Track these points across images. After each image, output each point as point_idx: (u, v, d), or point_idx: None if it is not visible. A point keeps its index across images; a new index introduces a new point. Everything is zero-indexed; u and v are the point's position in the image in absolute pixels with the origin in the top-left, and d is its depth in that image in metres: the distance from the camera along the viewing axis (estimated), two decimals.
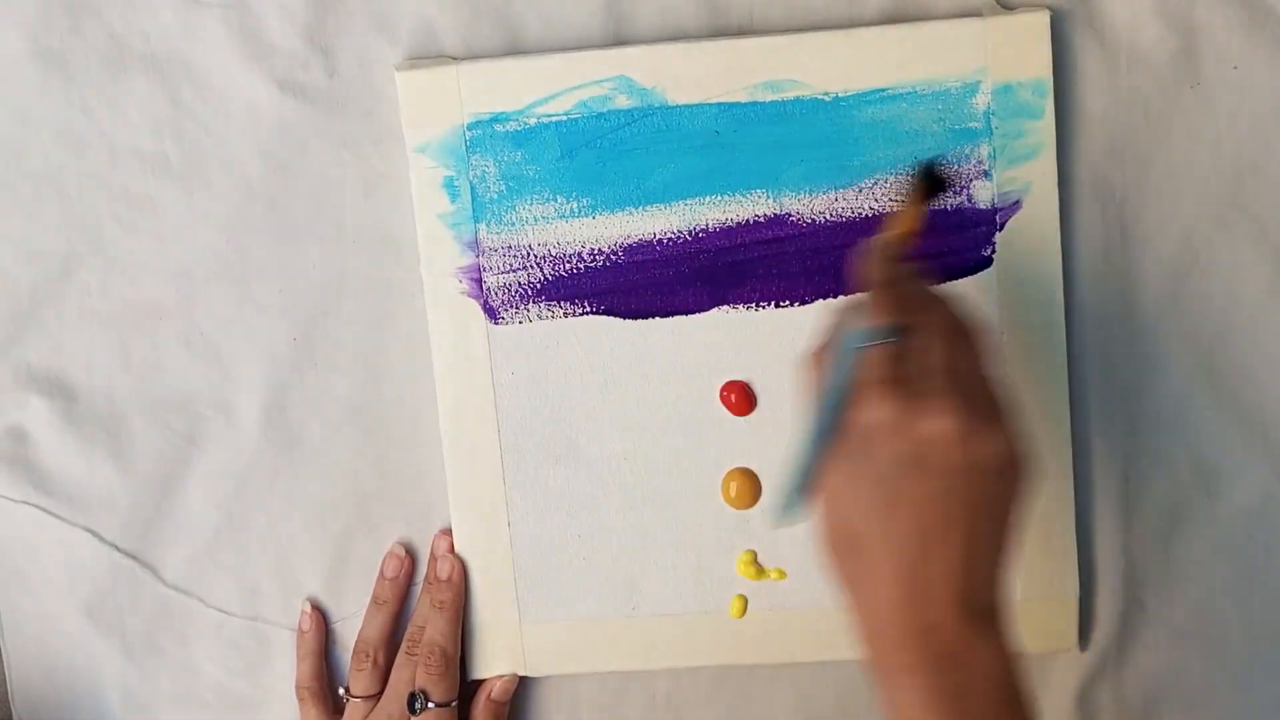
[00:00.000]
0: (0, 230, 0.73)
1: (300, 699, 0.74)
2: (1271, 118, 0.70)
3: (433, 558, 0.74)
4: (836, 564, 0.58)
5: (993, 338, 0.60)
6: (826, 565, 0.58)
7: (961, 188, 0.69)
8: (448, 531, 0.73)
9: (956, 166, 0.69)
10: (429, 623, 0.72)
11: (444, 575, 0.73)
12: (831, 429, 0.57)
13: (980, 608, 0.56)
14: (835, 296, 0.70)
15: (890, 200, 0.69)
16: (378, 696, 0.73)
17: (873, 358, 0.57)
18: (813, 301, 0.70)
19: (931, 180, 0.63)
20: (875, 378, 0.56)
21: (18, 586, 0.75)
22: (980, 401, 0.57)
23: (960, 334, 0.59)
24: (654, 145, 0.69)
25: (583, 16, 0.70)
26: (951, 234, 0.69)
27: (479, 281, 0.71)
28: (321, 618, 0.75)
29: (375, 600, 0.74)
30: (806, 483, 0.58)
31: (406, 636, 0.73)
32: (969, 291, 0.69)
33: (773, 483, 0.71)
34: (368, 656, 0.73)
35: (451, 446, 0.72)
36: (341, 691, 0.74)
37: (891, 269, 0.60)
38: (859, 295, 0.60)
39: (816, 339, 0.61)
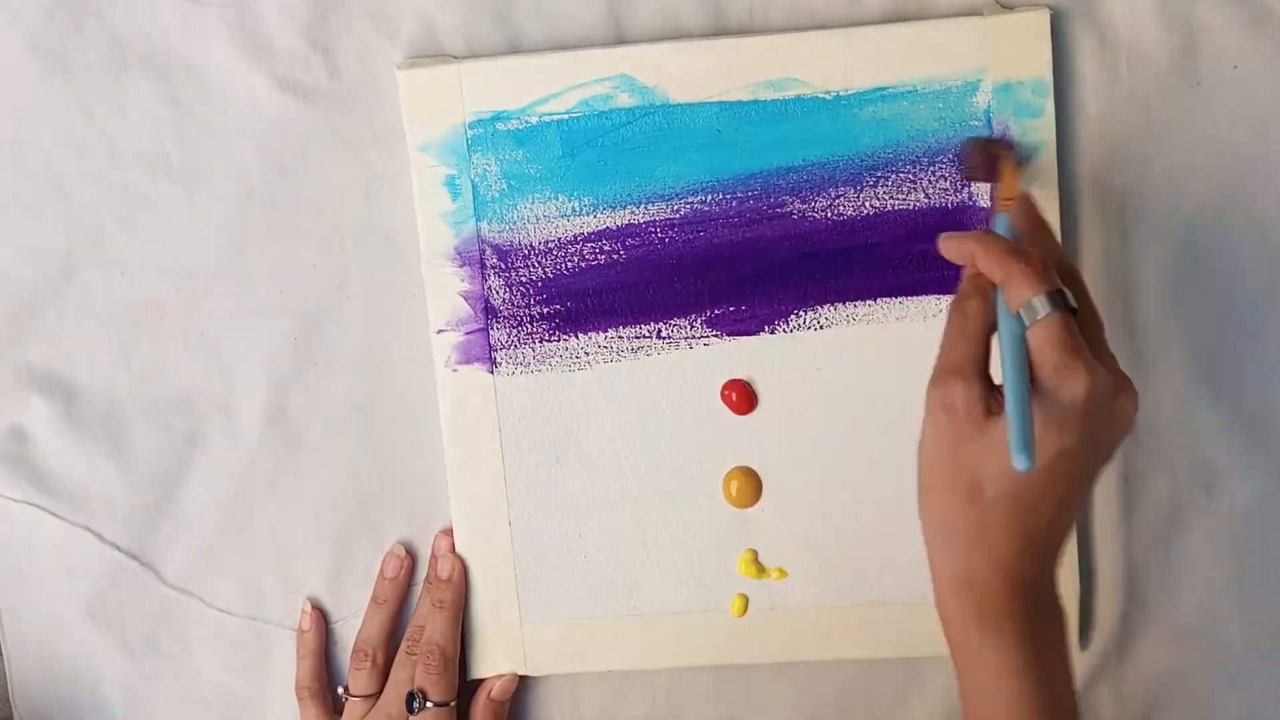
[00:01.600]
0: (0, 230, 0.73)
1: (300, 699, 0.74)
2: (1271, 118, 0.70)
3: (434, 557, 0.73)
4: (951, 511, 0.58)
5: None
6: (933, 511, 0.59)
7: (961, 185, 0.69)
8: (449, 531, 0.73)
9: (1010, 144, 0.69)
10: (429, 622, 0.72)
11: (445, 575, 0.73)
12: (1026, 386, 0.57)
13: (1052, 577, 0.59)
14: (836, 295, 0.70)
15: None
16: (377, 696, 0.73)
17: (1057, 329, 0.57)
18: (814, 299, 0.70)
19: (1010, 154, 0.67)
20: (1069, 348, 0.56)
21: (18, 586, 0.75)
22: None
23: (1089, 295, 0.61)
24: (655, 144, 0.69)
25: (584, 15, 0.70)
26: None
27: (481, 280, 0.71)
28: (322, 618, 0.75)
29: (375, 600, 0.74)
30: (1029, 435, 0.56)
31: (406, 636, 0.73)
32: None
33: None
34: (367, 656, 0.73)
35: (452, 446, 0.72)
36: (341, 690, 0.74)
37: (1036, 234, 0.62)
38: (1002, 260, 0.59)
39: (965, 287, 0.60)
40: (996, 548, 0.58)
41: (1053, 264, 0.59)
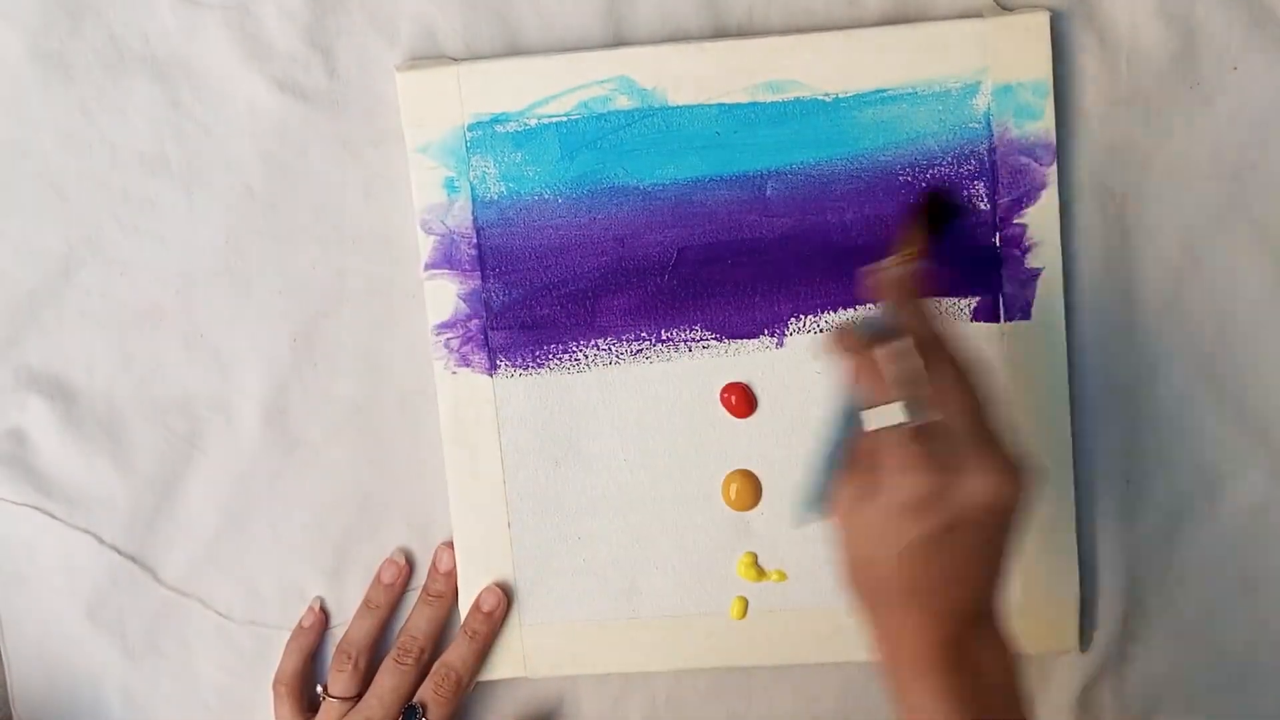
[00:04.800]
0: (0, 230, 0.73)
1: (276, 694, 0.74)
2: (1271, 118, 0.70)
3: (434, 568, 0.74)
4: (860, 593, 0.60)
5: (992, 374, 0.62)
6: (850, 593, 0.60)
7: (962, 188, 0.69)
8: (450, 544, 0.73)
9: (964, 193, 0.69)
10: (453, 646, 0.72)
11: (487, 608, 0.72)
12: (841, 456, 0.59)
13: (986, 617, 0.59)
14: (836, 298, 0.70)
15: (893, 220, 0.69)
16: (355, 699, 0.73)
17: (898, 435, 0.57)
18: (814, 303, 0.70)
19: (939, 209, 0.66)
20: (905, 454, 0.57)
21: (18, 588, 0.75)
22: (997, 449, 0.57)
23: (968, 379, 0.59)
24: (654, 146, 0.69)
25: (583, 17, 0.70)
26: (952, 235, 0.69)
27: (479, 282, 0.71)
28: (324, 620, 0.75)
29: (367, 604, 0.74)
30: (821, 496, 0.60)
31: (397, 644, 0.73)
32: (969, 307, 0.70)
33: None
34: (350, 658, 0.73)
35: (451, 448, 0.72)
36: (319, 689, 0.74)
37: (906, 313, 0.60)
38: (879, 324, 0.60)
39: (838, 332, 0.61)
40: (893, 622, 0.59)
41: (925, 337, 0.59)
